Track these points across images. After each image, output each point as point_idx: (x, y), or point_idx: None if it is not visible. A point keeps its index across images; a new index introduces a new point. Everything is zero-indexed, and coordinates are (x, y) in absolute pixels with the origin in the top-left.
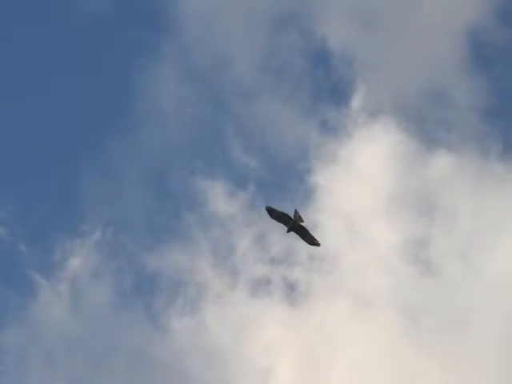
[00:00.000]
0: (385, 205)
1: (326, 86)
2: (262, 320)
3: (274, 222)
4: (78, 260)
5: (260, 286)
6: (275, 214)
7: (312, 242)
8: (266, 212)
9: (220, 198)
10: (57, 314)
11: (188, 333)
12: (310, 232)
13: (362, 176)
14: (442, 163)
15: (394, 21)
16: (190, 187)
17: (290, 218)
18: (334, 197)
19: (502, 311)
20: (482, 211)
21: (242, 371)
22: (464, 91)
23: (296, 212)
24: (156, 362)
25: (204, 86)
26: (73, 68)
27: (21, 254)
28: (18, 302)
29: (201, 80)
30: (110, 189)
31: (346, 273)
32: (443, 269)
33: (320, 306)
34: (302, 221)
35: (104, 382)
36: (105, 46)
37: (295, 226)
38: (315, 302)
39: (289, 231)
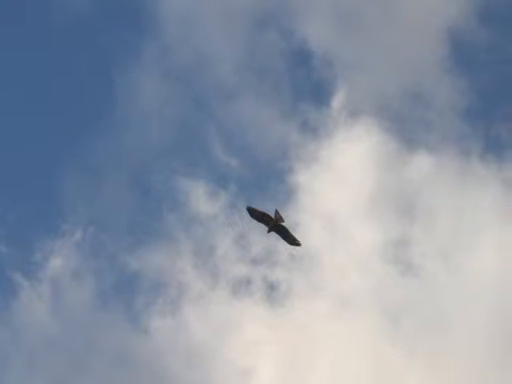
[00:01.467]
0: (365, 205)
1: (306, 87)
2: (242, 320)
3: (255, 222)
4: (59, 260)
5: (241, 286)
6: (256, 214)
7: (293, 241)
8: (246, 212)
9: (201, 198)
10: (37, 314)
11: (169, 333)
12: (291, 232)
13: (343, 176)
14: (422, 163)
15: (374, 21)
16: (171, 187)
17: (270, 218)
18: (314, 197)
19: (483, 311)
20: (463, 211)
21: (223, 371)
22: (444, 91)
23: (277, 212)
24: (137, 362)
25: (185, 86)
26: (54, 68)
27: (1, 255)
28: None
29: (181, 80)
30: (91, 189)
31: (327, 273)
32: (424, 269)
33: (301, 306)
34: (283, 221)
35: (85, 381)
36: (86, 46)
37: (276, 226)
38: (296, 301)
39: (269, 231)
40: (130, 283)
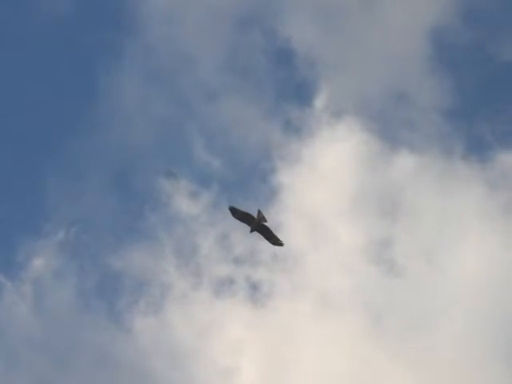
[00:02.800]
0: (348, 205)
1: (289, 86)
2: (225, 320)
3: (238, 222)
4: (41, 260)
5: (223, 286)
6: (238, 214)
7: (275, 241)
8: (229, 212)
9: (183, 198)
10: (20, 314)
11: (151, 333)
12: (274, 232)
13: (326, 176)
14: (405, 163)
15: (357, 21)
16: (153, 187)
17: (253, 217)
18: (297, 197)
19: (465, 311)
20: (446, 211)
21: (206, 371)
22: (427, 91)
23: (259, 212)
24: (119, 362)
25: (167, 86)
26: (36, 68)
27: None
28: None
29: (164, 80)
30: (74, 189)
31: (310, 273)
32: (407, 269)
33: (283, 306)
34: (266, 221)
35: (67, 381)
36: (68, 47)
37: (258, 225)
38: (278, 301)
39: (252, 231)
40: (112, 283)
